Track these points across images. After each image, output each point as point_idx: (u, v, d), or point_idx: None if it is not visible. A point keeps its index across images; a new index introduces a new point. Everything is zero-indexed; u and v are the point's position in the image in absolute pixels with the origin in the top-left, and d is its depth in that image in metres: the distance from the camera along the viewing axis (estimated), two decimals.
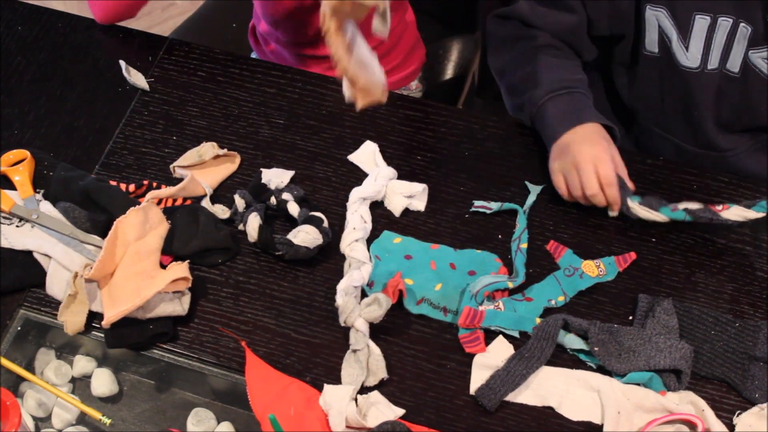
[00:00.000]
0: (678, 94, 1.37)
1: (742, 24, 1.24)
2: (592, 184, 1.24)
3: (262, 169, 1.34)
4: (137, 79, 1.42)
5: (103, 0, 1.45)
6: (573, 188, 1.26)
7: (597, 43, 1.40)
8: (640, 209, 1.25)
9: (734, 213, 1.22)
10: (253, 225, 1.25)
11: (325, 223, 1.26)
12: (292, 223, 1.29)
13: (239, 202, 1.28)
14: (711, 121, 1.38)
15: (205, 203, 1.29)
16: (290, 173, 1.34)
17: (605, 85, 1.49)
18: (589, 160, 1.24)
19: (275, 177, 1.33)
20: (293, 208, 1.28)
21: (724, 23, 1.25)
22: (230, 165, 1.35)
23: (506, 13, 1.41)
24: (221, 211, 1.29)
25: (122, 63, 1.44)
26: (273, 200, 1.29)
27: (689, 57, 1.30)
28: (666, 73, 1.35)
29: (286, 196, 1.29)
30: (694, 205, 1.24)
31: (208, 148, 1.34)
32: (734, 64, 1.29)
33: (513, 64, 1.38)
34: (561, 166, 1.27)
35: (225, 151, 1.34)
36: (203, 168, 1.34)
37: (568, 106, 1.30)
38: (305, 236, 1.24)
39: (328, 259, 1.27)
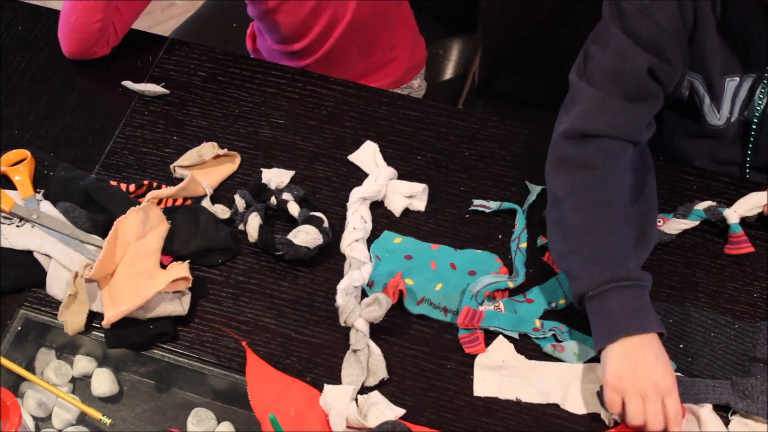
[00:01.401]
0: (692, 140, 1.38)
1: (765, 80, 1.25)
2: (659, 420, 1.10)
3: (262, 169, 1.34)
4: (152, 88, 1.42)
5: (72, 30, 1.41)
6: (632, 416, 1.10)
7: None
8: None
9: (672, 226, 1.27)
10: (253, 225, 1.25)
11: (326, 223, 1.26)
12: (293, 223, 1.29)
13: (239, 202, 1.28)
14: (716, 160, 1.39)
15: (206, 203, 1.29)
16: (290, 173, 1.34)
17: None
18: (658, 392, 1.10)
19: (275, 177, 1.33)
20: (293, 208, 1.28)
21: (749, 79, 1.26)
22: (230, 165, 1.35)
23: (585, 131, 1.21)
24: (221, 211, 1.29)
25: (129, 83, 1.43)
26: (273, 200, 1.29)
27: (720, 117, 1.31)
28: (686, 121, 1.35)
29: (286, 196, 1.29)
30: None
31: (209, 148, 1.34)
32: (752, 114, 1.30)
33: (574, 202, 1.19)
34: (622, 387, 1.10)
35: (225, 151, 1.34)
36: (203, 168, 1.34)
37: (632, 303, 1.13)
38: (305, 236, 1.24)
39: (329, 259, 1.27)
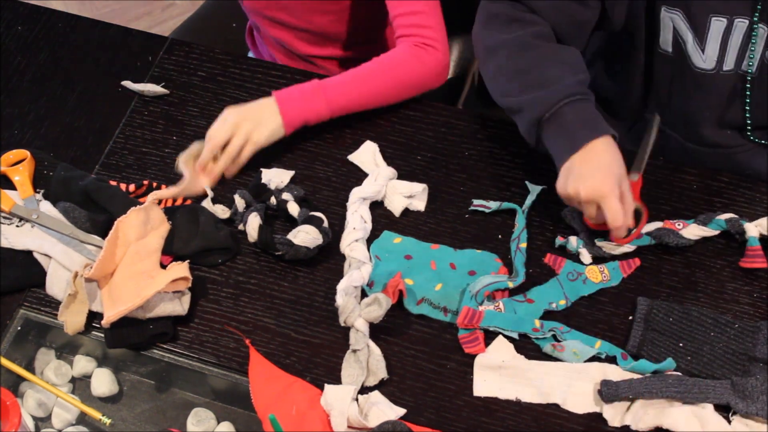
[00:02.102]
0: (689, 94, 1.36)
1: (761, 25, 1.24)
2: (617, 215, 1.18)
3: (262, 169, 1.34)
4: (152, 88, 1.42)
5: None
6: (589, 216, 1.21)
7: (609, 39, 1.39)
8: (607, 245, 1.26)
9: (692, 232, 1.26)
10: (253, 225, 1.25)
11: (325, 223, 1.27)
12: (292, 223, 1.29)
13: (239, 202, 1.28)
14: (718, 121, 1.38)
15: (206, 203, 1.29)
16: (290, 173, 1.34)
17: (613, 80, 1.48)
18: (595, 197, 1.18)
19: (275, 177, 1.33)
20: (293, 208, 1.28)
21: (740, 24, 1.25)
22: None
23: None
24: (221, 211, 1.29)
25: (129, 83, 1.43)
26: (273, 200, 1.29)
27: (705, 59, 1.30)
28: (678, 72, 1.35)
29: (286, 196, 1.29)
30: (654, 226, 1.26)
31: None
32: (751, 65, 1.29)
33: (509, 49, 1.29)
34: (566, 194, 1.21)
35: None
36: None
37: (585, 113, 1.23)
38: (305, 236, 1.24)
39: (328, 259, 1.27)
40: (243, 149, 1.31)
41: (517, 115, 1.27)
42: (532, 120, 1.24)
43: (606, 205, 1.17)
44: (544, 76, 1.25)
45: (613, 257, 1.26)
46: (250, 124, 1.31)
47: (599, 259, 1.26)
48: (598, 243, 1.25)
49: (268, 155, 1.36)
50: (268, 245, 1.24)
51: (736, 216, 1.27)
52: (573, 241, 1.26)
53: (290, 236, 1.24)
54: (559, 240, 1.27)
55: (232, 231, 1.28)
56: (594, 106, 1.24)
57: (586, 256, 1.26)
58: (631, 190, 1.21)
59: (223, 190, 1.33)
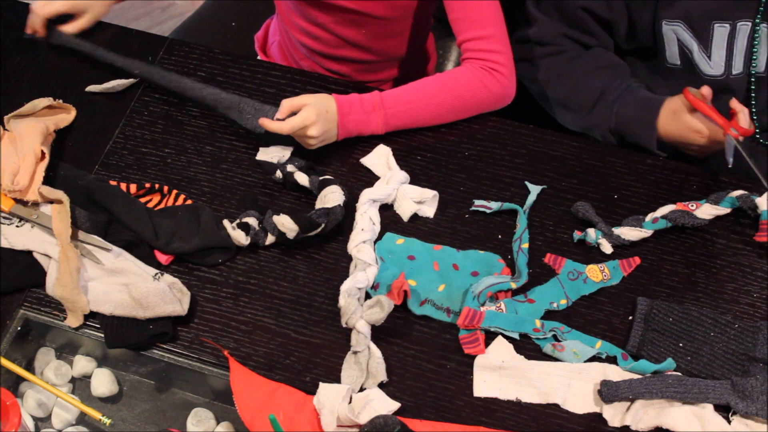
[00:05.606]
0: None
1: (763, 25, 1.25)
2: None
3: (261, 147, 1.34)
4: (120, 83, 1.41)
5: None
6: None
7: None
8: (628, 231, 1.26)
9: (705, 211, 1.28)
10: (284, 221, 1.23)
11: (337, 184, 1.28)
12: (306, 194, 1.29)
13: (253, 222, 1.27)
14: None
15: (228, 225, 1.27)
16: (289, 149, 1.34)
17: None
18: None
19: (275, 153, 1.33)
20: (302, 178, 1.28)
21: (744, 28, 1.26)
22: (66, 115, 1.38)
23: (522, 37, 1.46)
24: (243, 239, 1.26)
25: (94, 87, 1.42)
26: (278, 174, 1.29)
27: (713, 65, 1.32)
28: (689, 82, 1.36)
29: (290, 168, 1.30)
30: (668, 209, 1.27)
31: (42, 100, 1.37)
32: (760, 66, 1.30)
33: (552, 82, 1.44)
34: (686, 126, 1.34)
35: (59, 102, 1.38)
36: (38, 116, 1.37)
37: (637, 101, 1.38)
38: (333, 196, 1.24)
39: (328, 259, 1.27)
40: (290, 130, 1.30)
41: (591, 133, 1.44)
42: (604, 134, 1.41)
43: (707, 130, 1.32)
44: (589, 92, 1.40)
45: (624, 249, 1.27)
46: (320, 126, 1.30)
47: (599, 258, 1.27)
48: (616, 231, 1.26)
49: None
50: (311, 225, 1.23)
51: (746, 192, 1.27)
52: (591, 233, 1.27)
53: (319, 205, 1.25)
54: (577, 234, 1.27)
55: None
56: (637, 87, 1.38)
57: (606, 246, 1.26)
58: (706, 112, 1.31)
59: (232, 216, 1.33)
